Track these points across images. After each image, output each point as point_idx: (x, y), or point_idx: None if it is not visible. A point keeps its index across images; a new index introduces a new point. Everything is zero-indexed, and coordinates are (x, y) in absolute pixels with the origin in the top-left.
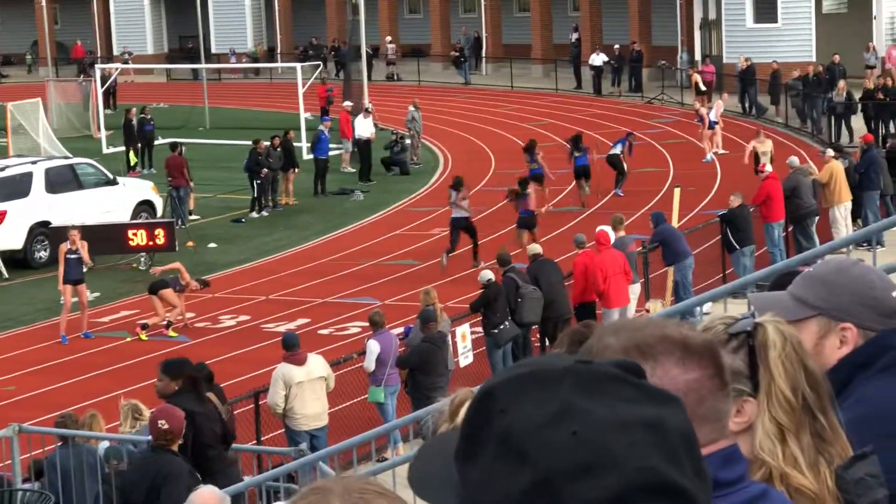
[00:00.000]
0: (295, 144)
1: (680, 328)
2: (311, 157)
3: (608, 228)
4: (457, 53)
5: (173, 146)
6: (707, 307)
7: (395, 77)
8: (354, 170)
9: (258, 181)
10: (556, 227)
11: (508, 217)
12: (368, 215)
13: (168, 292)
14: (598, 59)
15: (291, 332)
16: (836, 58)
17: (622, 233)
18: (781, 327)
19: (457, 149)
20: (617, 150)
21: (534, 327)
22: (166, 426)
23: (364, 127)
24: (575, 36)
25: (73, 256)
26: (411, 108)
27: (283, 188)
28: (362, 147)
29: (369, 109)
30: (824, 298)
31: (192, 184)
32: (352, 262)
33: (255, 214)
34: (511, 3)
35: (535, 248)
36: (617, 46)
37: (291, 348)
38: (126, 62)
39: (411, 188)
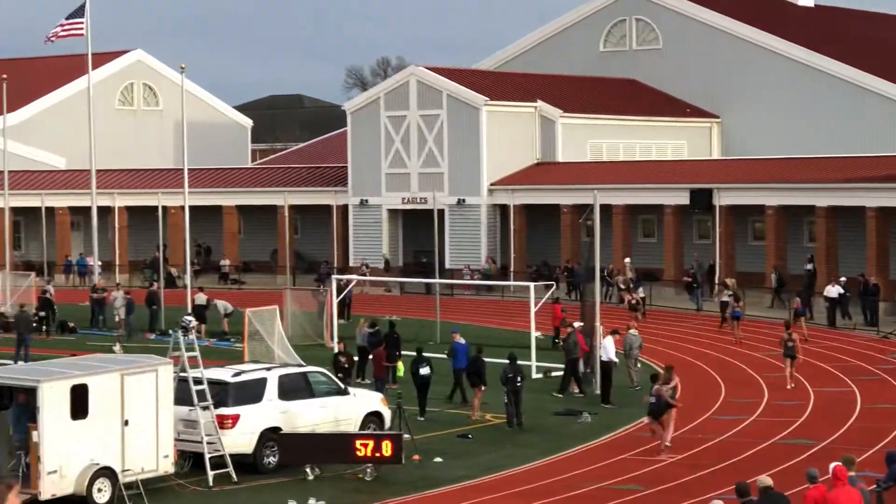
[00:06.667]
0: (521, 363)
1: None
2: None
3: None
4: (689, 279)
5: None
6: None
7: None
8: (583, 394)
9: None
10: (787, 460)
11: (744, 445)
12: (594, 438)
13: None
14: (833, 290)
15: None
16: None
17: (852, 473)
18: None
19: (686, 375)
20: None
21: None
22: None
23: (609, 349)
24: (810, 266)
25: None
26: (631, 332)
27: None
28: (605, 369)
29: (617, 332)
30: None
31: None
32: (575, 485)
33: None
34: (746, 232)
35: (766, 480)
36: (843, 279)
37: None
38: (364, 274)
39: (641, 412)
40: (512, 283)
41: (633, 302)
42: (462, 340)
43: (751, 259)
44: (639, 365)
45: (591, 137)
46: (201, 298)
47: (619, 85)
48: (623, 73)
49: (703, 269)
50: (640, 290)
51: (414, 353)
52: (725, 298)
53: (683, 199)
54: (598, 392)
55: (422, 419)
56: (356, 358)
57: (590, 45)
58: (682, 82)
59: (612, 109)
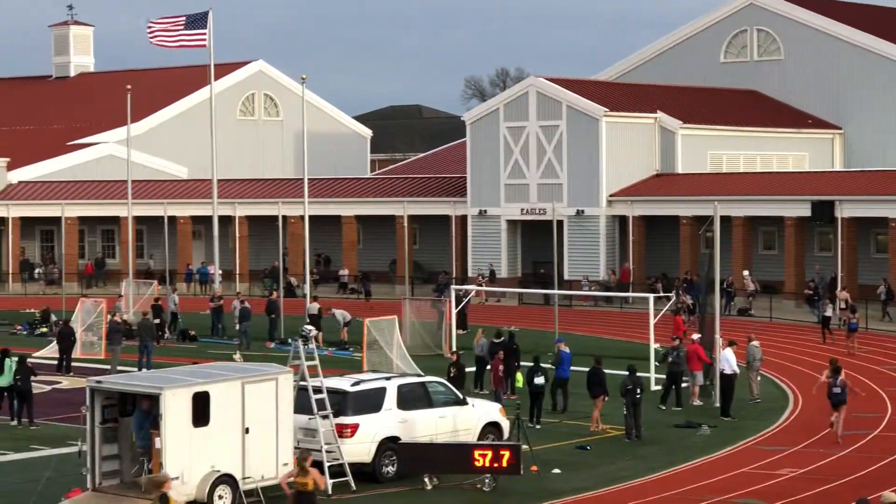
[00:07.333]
0: (641, 375)
1: None
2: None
3: None
4: (810, 292)
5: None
6: None
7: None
8: (702, 402)
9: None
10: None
11: (867, 460)
12: (715, 451)
13: None
14: None
15: None
16: None
17: None
18: None
19: (808, 388)
20: None
21: None
22: None
23: (731, 361)
24: None
25: None
26: (752, 343)
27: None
28: (728, 381)
29: (734, 343)
30: None
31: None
32: (695, 498)
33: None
34: (868, 244)
35: (890, 496)
36: None
37: None
38: (481, 284)
39: (761, 425)
40: (631, 294)
41: (681, 306)
42: (567, 349)
43: (873, 272)
44: (759, 377)
45: (711, 148)
46: (314, 308)
47: (740, 96)
48: (744, 84)
49: (825, 282)
50: (690, 296)
51: (531, 363)
52: (829, 313)
53: (805, 210)
54: (718, 405)
55: (538, 427)
56: (468, 369)
57: (710, 55)
58: (804, 93)
59: (733, 120)
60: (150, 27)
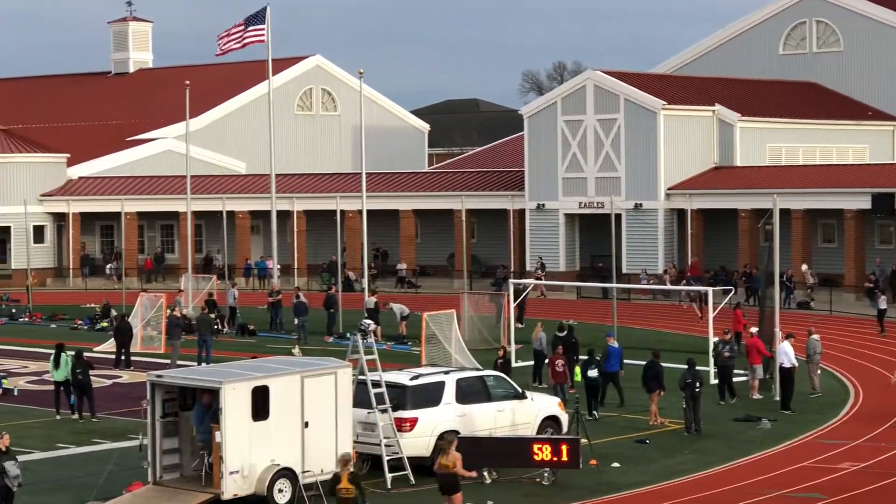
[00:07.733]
0: (700, 368)
1: None
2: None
3: None
4: (871, 285)
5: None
6: None
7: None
8: (761, 396)
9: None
10: None
11: None
12: (774, 445)
13: None
14: None
15: None
16: None
17: None
18: None
19: (869, 382)
20: None
21: None
22: None
23: (791, 354)
24: None
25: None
26: (812, 336)
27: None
28: (788, 374)
29: (792, 335)
30: None
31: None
32: (755, 492)
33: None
34: None
35: None
36: None
37: None
38: (539, 278)
39: (821, 419)
40: (690, 287)
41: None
42: (616, 344)
43: None
44: (819, 371)
45: (769, 141)
46: (370, 302)
47: (799, 88)
48: (803, 76)
49: (885, 275)
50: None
51: (586, 357)
52: (883, 306)
53: (865, 203)
54: (778, 398)
55: (596, 417)
56: (525, 363)
57: (769, 47)
58: (864, 85)
59: (792, 113)
60: (218, 43)
